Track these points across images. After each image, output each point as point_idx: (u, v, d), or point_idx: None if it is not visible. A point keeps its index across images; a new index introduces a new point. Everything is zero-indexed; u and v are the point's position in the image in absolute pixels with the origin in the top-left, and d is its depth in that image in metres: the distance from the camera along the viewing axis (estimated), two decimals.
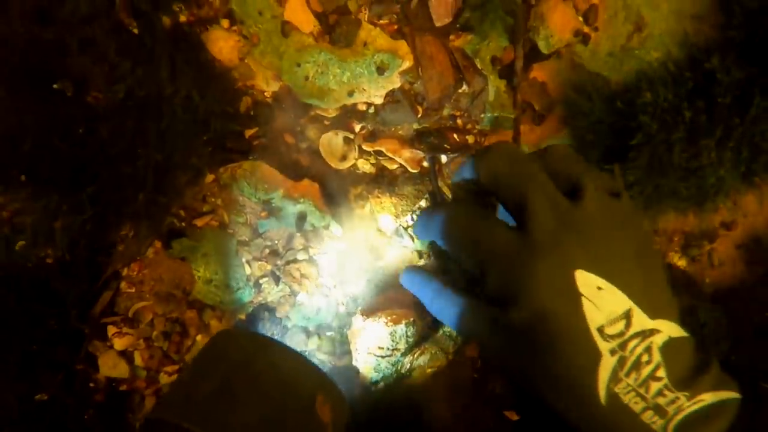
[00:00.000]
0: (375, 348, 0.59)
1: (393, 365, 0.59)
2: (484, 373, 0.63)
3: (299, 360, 0.47)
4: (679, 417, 0.46)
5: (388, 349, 0.58)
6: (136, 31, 0.49)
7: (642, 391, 0.45)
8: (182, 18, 0.54)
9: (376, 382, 0.60)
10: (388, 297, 0.63)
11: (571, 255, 0.44)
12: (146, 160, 0.48)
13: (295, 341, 0.63)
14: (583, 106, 0.56)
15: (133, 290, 0.60)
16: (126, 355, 0.61)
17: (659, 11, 0.59)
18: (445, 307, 0.56)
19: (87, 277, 0.57)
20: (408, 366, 0.59)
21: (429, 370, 0.59)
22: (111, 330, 0.60)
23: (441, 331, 0.61)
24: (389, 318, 0.58)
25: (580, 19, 0.60)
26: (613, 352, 0.45)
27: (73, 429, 0.60)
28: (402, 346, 0.59)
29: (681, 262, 0.61)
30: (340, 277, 0.62)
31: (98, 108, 0.50)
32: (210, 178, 0.59)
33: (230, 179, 0.58)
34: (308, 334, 0.63)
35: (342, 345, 0.63)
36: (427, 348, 0.59)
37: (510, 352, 0.50)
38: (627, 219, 0.48)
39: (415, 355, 0.59)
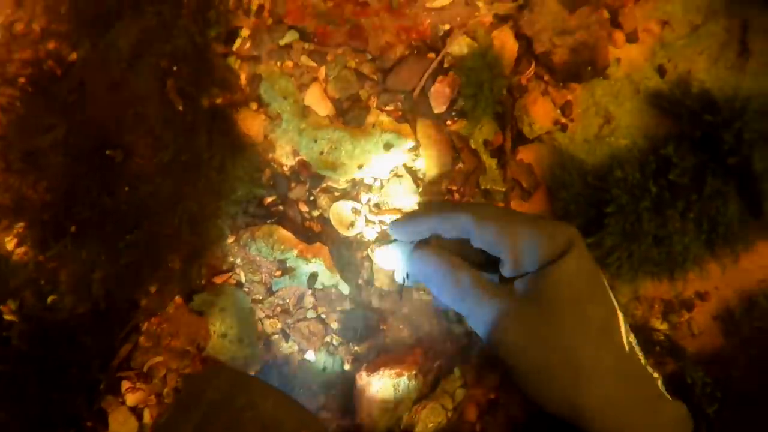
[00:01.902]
0: (379, 402, 0.62)
1: (396, 420, 0.62)
2: None
3: (281, 398, 0.47)
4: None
5: (391, 402, 0.61)
6: (180, 108, 0.57)
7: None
8: (218, 100, 0.63)
9: None
10: (391, 356, 0.66)
11: None
12: (183, 211, 0.54)
13: (302, 399, 0.65)
14: (565, 181, 0.65)
15: (150, 344, 0.63)
16: (136, 411, 0.63)
17: (623, 107, 0.70)
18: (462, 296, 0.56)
19: (112, 329, 0.60)
20: (412, 421, 0.61)
21: (431, 425, 0.62)
22: (125, 385, 0.63)
23: (439, 388, 0.64)
24: (393, 371, 0.62)
25: (558, 111, 0.70)
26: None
27: None
28: (405, 399, 0.62)
29: (663, 326, 0.67)
30: (345, 336, 0.66)
31: (142, 170, 0.57)
32: (231, 238, 0.65)
33: (249, 240, 0.64)
34: (314, 392, 0.65)
35: (346, 403, 0.66)
36: (427, 403, 0.62)
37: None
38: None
39: (417, 410, 0.62)
